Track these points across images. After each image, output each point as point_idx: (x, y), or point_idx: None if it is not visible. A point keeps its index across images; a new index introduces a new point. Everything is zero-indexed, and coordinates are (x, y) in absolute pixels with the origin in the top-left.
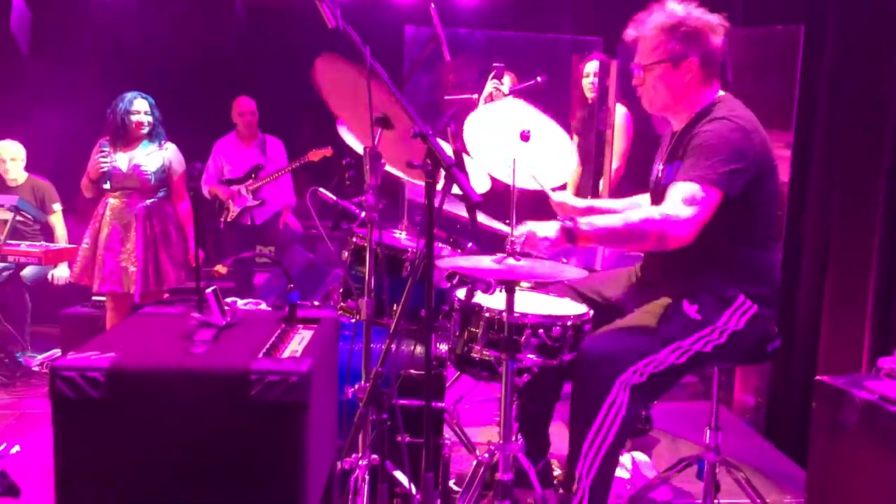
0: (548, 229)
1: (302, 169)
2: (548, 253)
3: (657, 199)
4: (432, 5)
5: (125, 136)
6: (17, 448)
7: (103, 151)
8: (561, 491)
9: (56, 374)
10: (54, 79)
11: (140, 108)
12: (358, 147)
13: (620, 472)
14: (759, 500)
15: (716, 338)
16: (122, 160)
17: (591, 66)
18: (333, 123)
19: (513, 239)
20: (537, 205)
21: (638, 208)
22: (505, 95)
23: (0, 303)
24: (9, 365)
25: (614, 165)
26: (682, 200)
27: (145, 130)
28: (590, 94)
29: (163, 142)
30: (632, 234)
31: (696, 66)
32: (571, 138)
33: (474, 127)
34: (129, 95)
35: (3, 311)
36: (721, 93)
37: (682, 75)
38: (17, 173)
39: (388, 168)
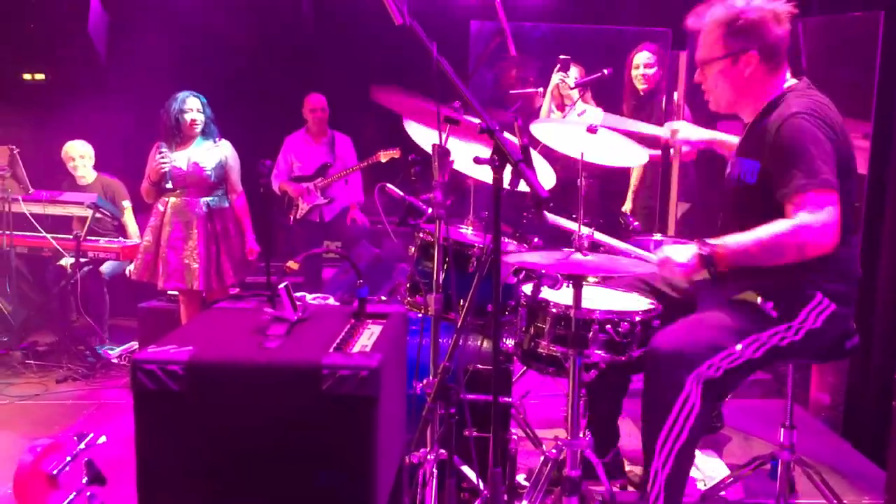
0: (684, 255)
1: (369, 167)
2: (684, 278)
3: (726, 190)
4: (497, 0)
5: (179, 136)
6: (103, 438)
7: (162, 152)
8: (631, 489)
9: (137, 367)
10: (128, 79)
11: (193, 106)
12: (425, 144)
13: (692, 472)
14: (835, 501)
15: (792, 335)
16: (180, 159)
17: (641, 58)
18: (401, 120)
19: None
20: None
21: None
22: (571, 88)
23: (81, 297)
24: (89, 357)
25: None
26: (811, 210)
27: (199, 128)
28: (641, 86)
29: (217, 139)
30: (768, 250)
31: (755, 59)
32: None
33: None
34: (181, 95)
35: (84, 305)
36: (792, 80)
37: (742, 70)
38: (86, 172)
39: (457, 167)
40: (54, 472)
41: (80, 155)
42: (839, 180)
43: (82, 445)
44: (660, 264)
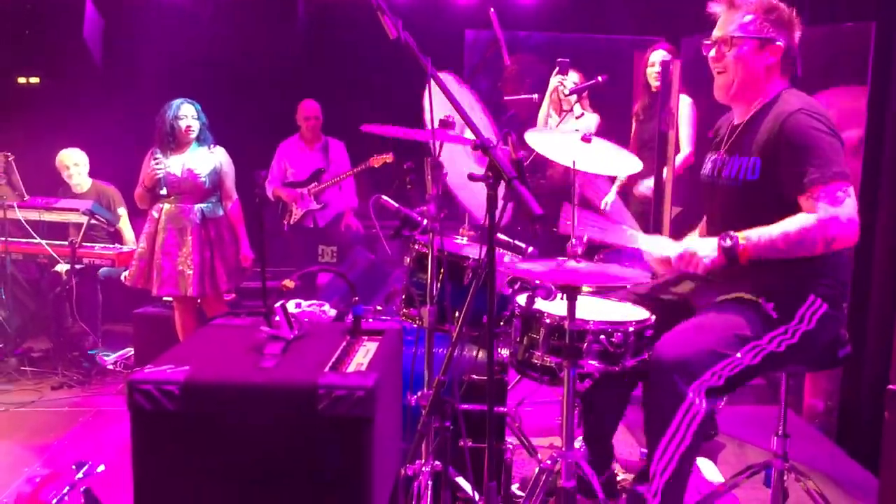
0: (707, 248)
1: (363, 172)
2: (703, 272)
3: (715, 191)
4: (492, 9)
5: (174, 142)
6: (102, 467)
7: (156, 158)
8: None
9: (134, 388)
10: (123, 84)
11: (187, 112)
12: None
13: None
14: None
15: (789, 337)
16: (175, 165)
17: (657, 56)
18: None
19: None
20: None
21: (792, 219)
22: (566, 95)
23: (76, 302)
24: (84, 363)
25: (685, 151)
26: (834, 201)
27: (193, 135)
28: (654, 83)
29: (211, 145)
30: (797, 244)
31: (780, 53)
32: (632, 125)
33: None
34: (176, 102)
35: (78, 309)
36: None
37: (765, 59)
38: (81, 179)
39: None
40: (53, 501)
41: (74, 163)
42: None
43: (80, 475)
44: (678, 258)
